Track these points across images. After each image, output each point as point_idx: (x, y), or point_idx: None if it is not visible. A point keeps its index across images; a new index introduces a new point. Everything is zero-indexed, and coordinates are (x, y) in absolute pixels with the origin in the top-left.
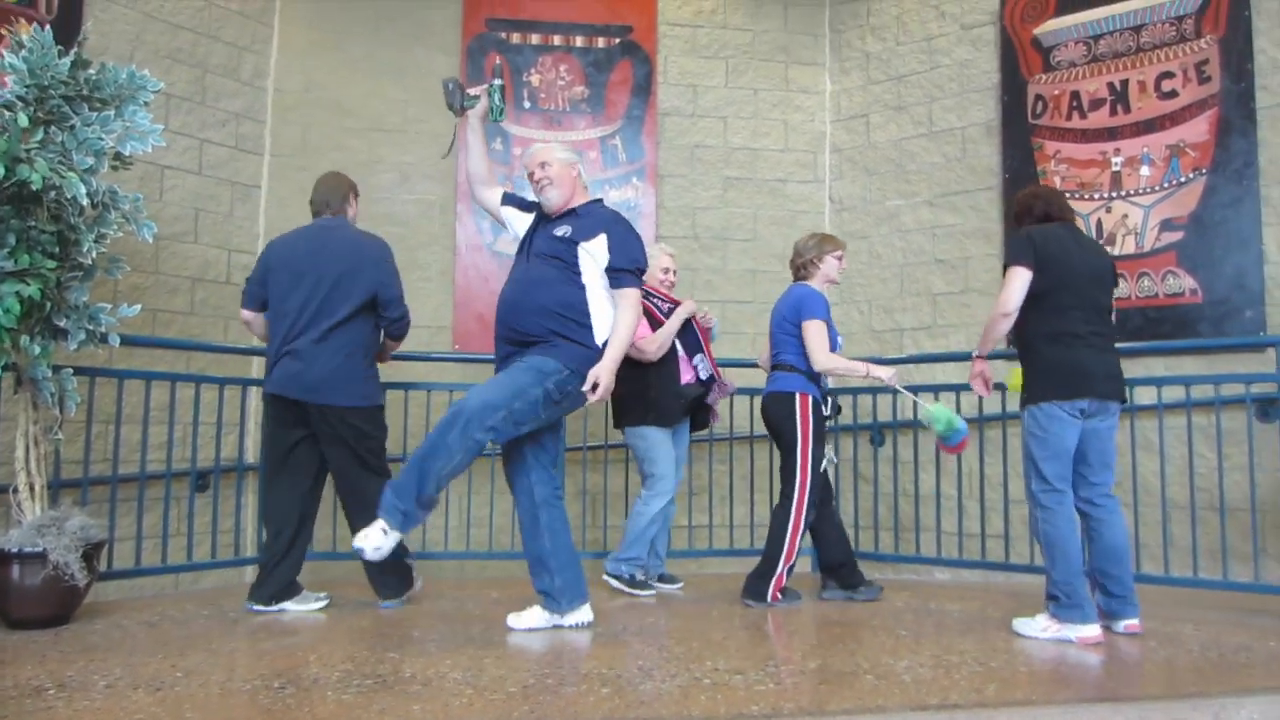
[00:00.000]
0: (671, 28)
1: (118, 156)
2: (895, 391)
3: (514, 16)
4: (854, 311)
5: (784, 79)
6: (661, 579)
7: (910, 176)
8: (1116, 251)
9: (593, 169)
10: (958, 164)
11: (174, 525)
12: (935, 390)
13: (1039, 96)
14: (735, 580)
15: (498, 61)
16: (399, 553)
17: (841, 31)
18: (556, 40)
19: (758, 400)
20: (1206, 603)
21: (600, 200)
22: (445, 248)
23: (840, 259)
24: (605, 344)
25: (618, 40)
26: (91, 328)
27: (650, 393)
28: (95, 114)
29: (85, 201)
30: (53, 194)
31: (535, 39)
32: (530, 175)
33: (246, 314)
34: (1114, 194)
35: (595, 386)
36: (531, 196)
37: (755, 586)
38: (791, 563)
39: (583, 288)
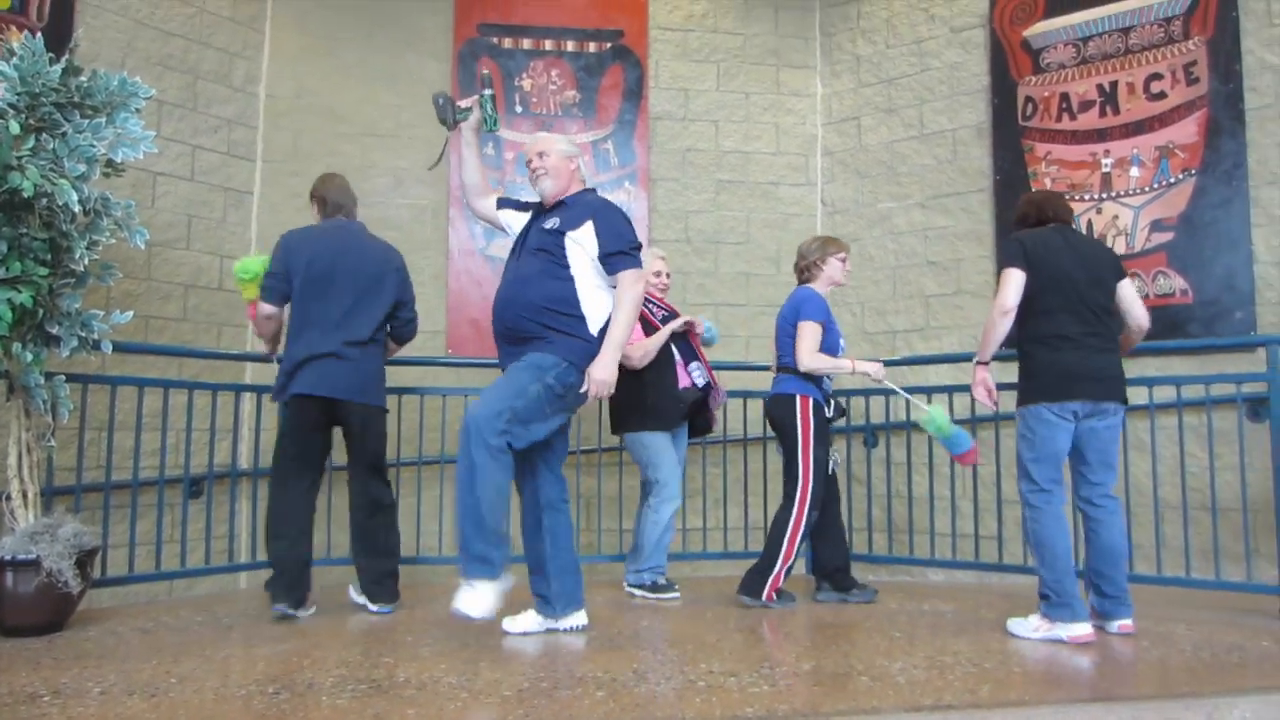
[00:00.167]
0: (662, 32)
1: (109, 163)
2: (892, 391)
3: (505, 21)
4: (846, 314)
5: (775, 82)
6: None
7: (901, 179)
8: None
9: (585, 173)
10: (949, 166)
11: (168, 532)
12: (929, 391)
13: (1029, 98)
14: (730, 583)
15: (485, 72)
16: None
17: (832, 35)
18: (548, 45)
19: (752, 403)
20: (1199, 602)
21: (592, 189)
22: (438, 252)
23: (844, 260)
24: (602, 332)
25: (609, 45)
26: (84, 334)
27: (648, 397)
28: (87, 121)
29: (77, 208)
30: (44, 201)
31: (527, 44)
32: (528, 162)
33: (269, 308)
34: (1104, 195)
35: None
36: (525, 197)
37: (752, 583)
38: (790, 564)
39: (571, 279)
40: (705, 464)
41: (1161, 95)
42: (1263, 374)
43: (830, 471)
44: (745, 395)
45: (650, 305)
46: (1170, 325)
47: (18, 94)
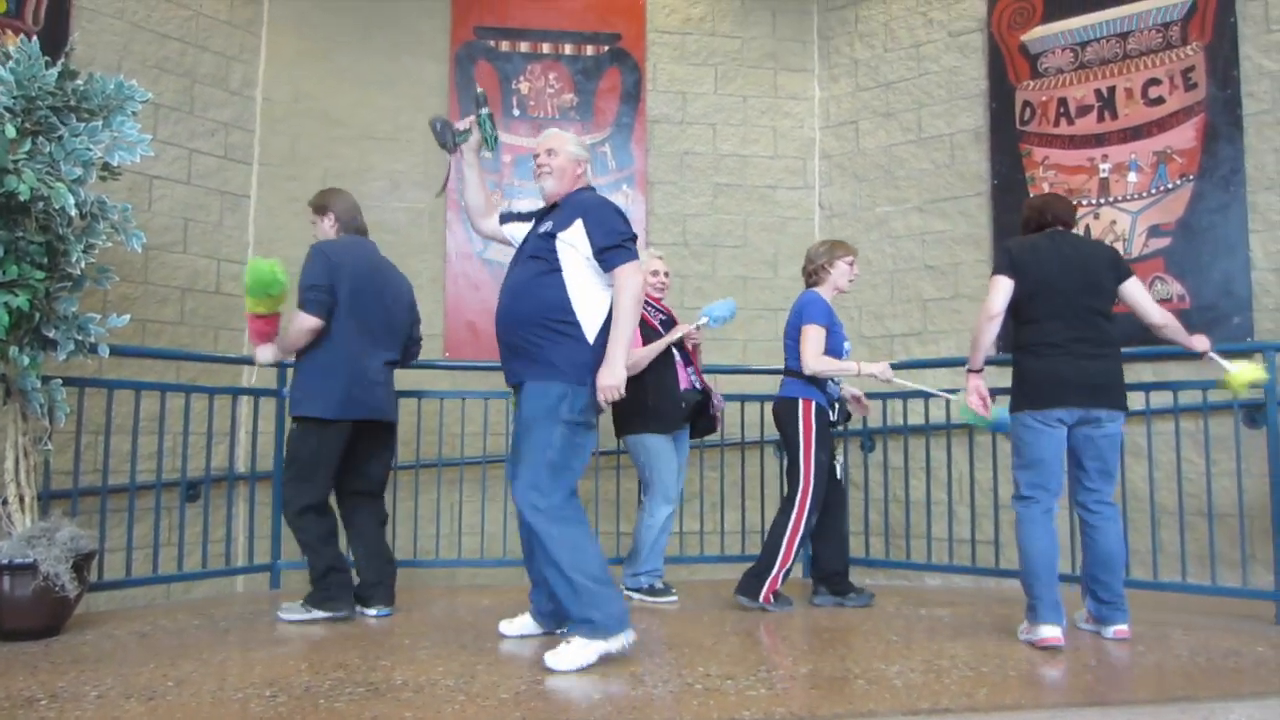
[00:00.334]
0: (660, 35)
1: (106, 167)
2: (923, 393)
3: (503, 25)
4: (844, 317)
5: (773, 86)
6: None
7: (899, 183)
8: None
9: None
10: (947, 170)
11: (165, 535)
12: (926, 395)
13: (1027, 103)
14: (727, 586)
15: (480, 90)
16: (390, 559)
17: (830, 38)
18: (545, 48)
19: (750, 406)
20: (1195, 608)
21: (590, 188)
22: (436, 255)
23: (851, 264)
24: (601, 337)
25: (606, 48)
26: (80, 338)
27: (649, 399)
28: (83, 124)
29: (74, 212)
30: (41, 205)
31: (524, 47)
32: (536, 156)
33: (315, 321)
34: (1102, 200)
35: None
36: (521, 206)
37: (749, 584)
38: (788, 566)
39: (563, 284)
40: (703, 467)
41: (1159, 100)
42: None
43: (839, 475)
44: (743, 399)
45: (648, 307)
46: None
47: (14, 97)
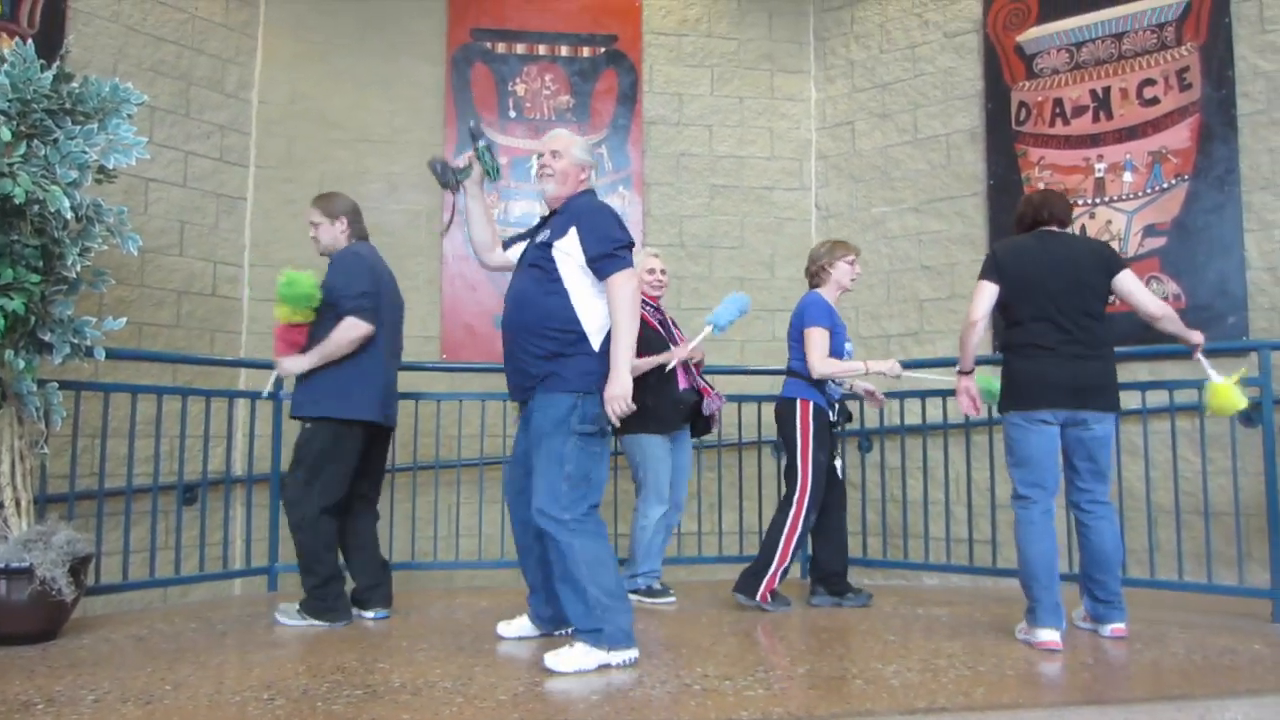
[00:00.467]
0: (656, 37)
1: (101, 170)
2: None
3: (499, 26)
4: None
5: (769, 87)
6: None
7: (896, 183)
8: None
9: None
10: (943, 171)
11: (161, 539)
12: (922, 396)
13: (1022, 103)
14: (724, 587)
15: (472, 122)
16: (385, 562)
17: (826, 39)
18: (542, 50)
19: (747, 407)
20: (1192, 606)
21: (589, 192)
22: (432, 257)
23: (852, 264)
24: (604, 341)
25: (603, 49)
26: (76, 341)
27: (647, 400)
28: (78, 127)
29: (69, 215)
30: (36, 208)
31: (520, 49)
32: (539, 155)
33: (369, 329)
34: (1097, 200)
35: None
36: (515, 231)
37: (747, 582)
38: (786, 565)
39: (565, 293)
40: (701, 468)
41: (1155, 101)
42: (1255, 379)
43: (840, 475)
44: (740, 399)
45: (645, 307)
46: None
47: (9, 100)
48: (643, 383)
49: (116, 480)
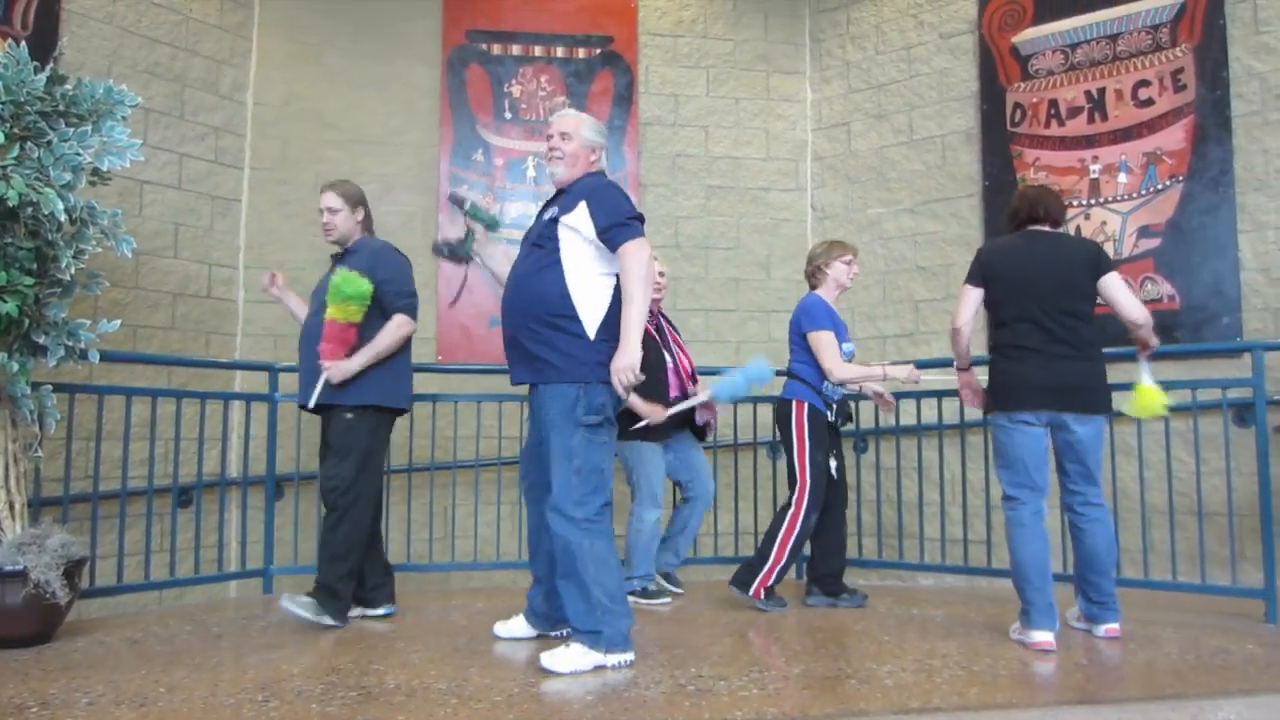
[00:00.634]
0: (652, 38)
1: (95, 172)
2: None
3: (494, 28)
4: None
5: (765, 88)
6: (667, 578)
7: (891, 184)
8: None
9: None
10: (938, 171)
11: (157, 541)
12: (918, 396)
13: (1018, 104)
14: (720, 587)
15: (450, 192)
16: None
17: (821, 40)
18: (537, 51)
19: (741, 408)
20: (1185, 606)
21: (600, 173)
22: (428, 258)
23: (850, 264)
24: (602, 329)
25: (599, 51)
26: (71, 344)
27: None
28: (72, 129)
29: (63, 217)
30: (30, 210)
31: (516, 50)
32: (548, 137)
33: (414, 327)
34: (1092, 201)
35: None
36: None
37: (743, 576)
38: (783, 564)
39: (560, 271)
40: None
41: (1149, 102)
42: (1249, 379)
43: (835, 475)
44: (735, 400)
45: None
46: (1157, 330)
47: (2, 103)
48: (637, 390)
49: (111, 483)
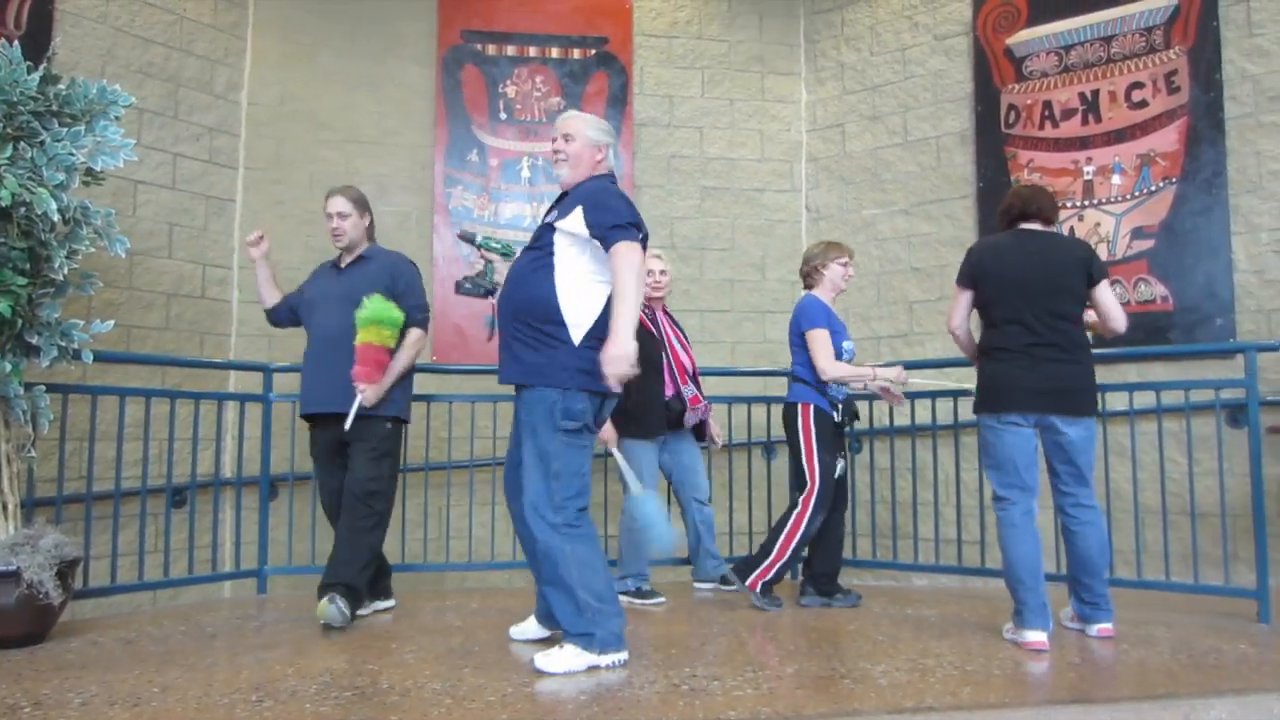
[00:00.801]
0: (647, 39)
1: (89, 172)
2: (942, 392)
3: (489, 28)
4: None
5: (760, 89)
6: (724, 580)
7: (886, 185)
8: None
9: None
10: (933, 173)
11: (150, 542)
12: (913, 396)
13: (1012, 106)
14: (716, 587)
15: (459, 230)
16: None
17: (816, 42)
18: (532, 52)
19: (736, 409)
20: (1178, 606)
21: (608, 175)
22: (423, 259)
23: (845, 265)
24: (587, 336)
25: (593, 51)
26: (64, 344)
27: (630, 404)
28: (66, 129)
29: (56, 217)
30: (23, 210)
31: (511, 50)
32: (552, 141)
33: (425, 338)
34: (1086, 202)
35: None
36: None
37: (743, 567)
38: (783, 562)
39: (551, 274)
40: None
41: (1143, 104)
42: (1242, 380)
43: (836, 475)
44: (730, 401)
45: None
46: (1151, 332)
47: None
48: (629, 388)
49: (105, 484)
